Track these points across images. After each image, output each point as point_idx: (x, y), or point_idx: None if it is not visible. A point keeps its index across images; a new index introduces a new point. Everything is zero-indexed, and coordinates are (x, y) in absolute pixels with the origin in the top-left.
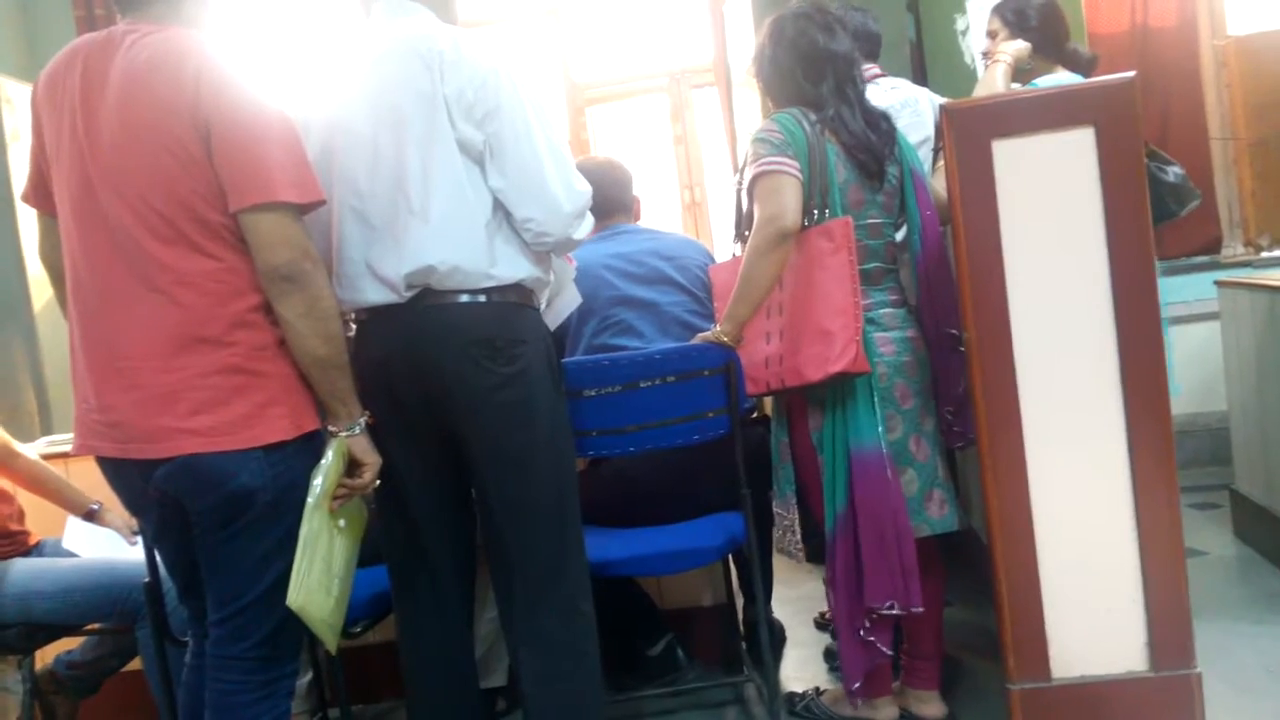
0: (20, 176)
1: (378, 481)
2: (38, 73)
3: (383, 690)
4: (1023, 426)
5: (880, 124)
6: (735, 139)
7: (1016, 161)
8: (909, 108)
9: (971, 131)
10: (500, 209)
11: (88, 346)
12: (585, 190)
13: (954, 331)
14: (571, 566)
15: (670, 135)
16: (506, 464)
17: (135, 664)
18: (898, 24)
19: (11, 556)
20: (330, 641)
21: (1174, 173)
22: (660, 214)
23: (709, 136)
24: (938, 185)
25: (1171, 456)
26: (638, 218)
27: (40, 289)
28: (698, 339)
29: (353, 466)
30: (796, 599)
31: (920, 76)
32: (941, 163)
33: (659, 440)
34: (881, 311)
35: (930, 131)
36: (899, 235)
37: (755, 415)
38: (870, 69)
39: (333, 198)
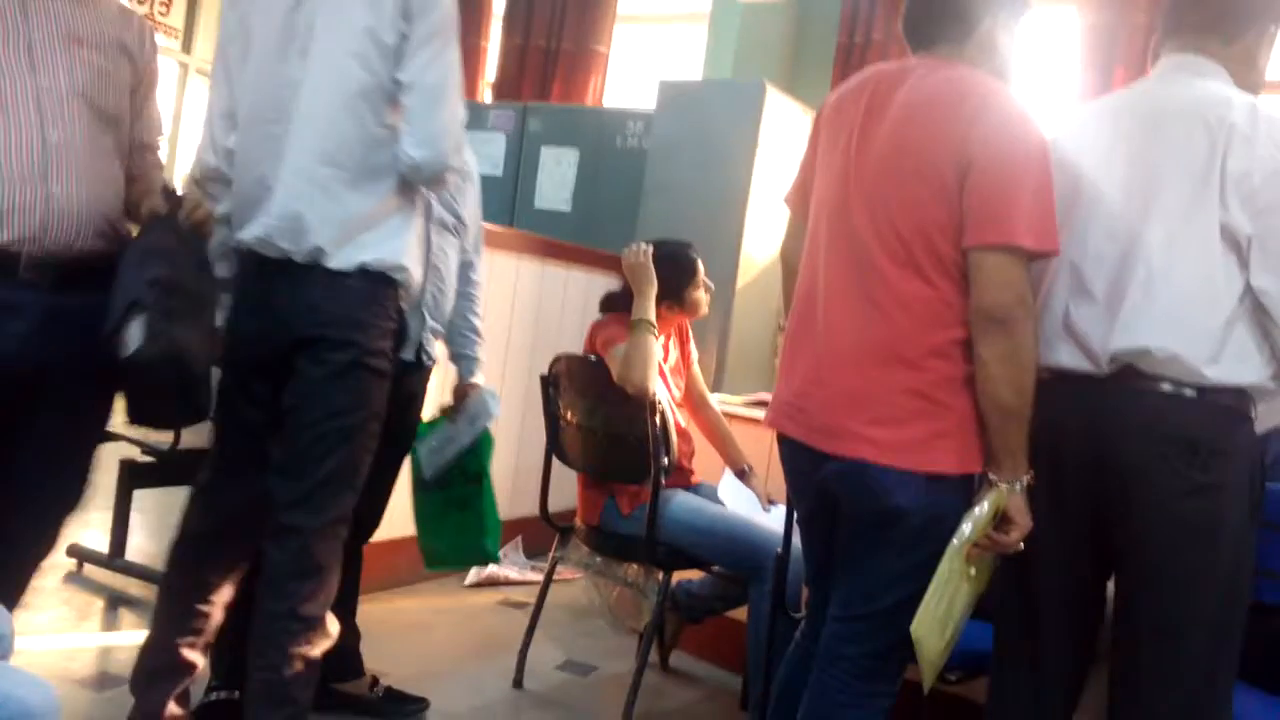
0: (765, 179)
1: (1021, 545)
2: (795, 86)
3: None
4: None
5: None
6: None
7: None
8: None
9: None
10: (1254, 308)
11: (801, 338)
12: None
13: None
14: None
15: None
16: (1170, 581)
17: (738, 613)
18: None
19: (678, 487)
20: (928, 680)
21: None
22: None
23: None
24: None
25: None
26: None
27: (745, 271)
28: None
29: (1001, 522)
30: None
31: None
32: None
33: None
34: None
35: None
36: None
37: None
38: None
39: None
